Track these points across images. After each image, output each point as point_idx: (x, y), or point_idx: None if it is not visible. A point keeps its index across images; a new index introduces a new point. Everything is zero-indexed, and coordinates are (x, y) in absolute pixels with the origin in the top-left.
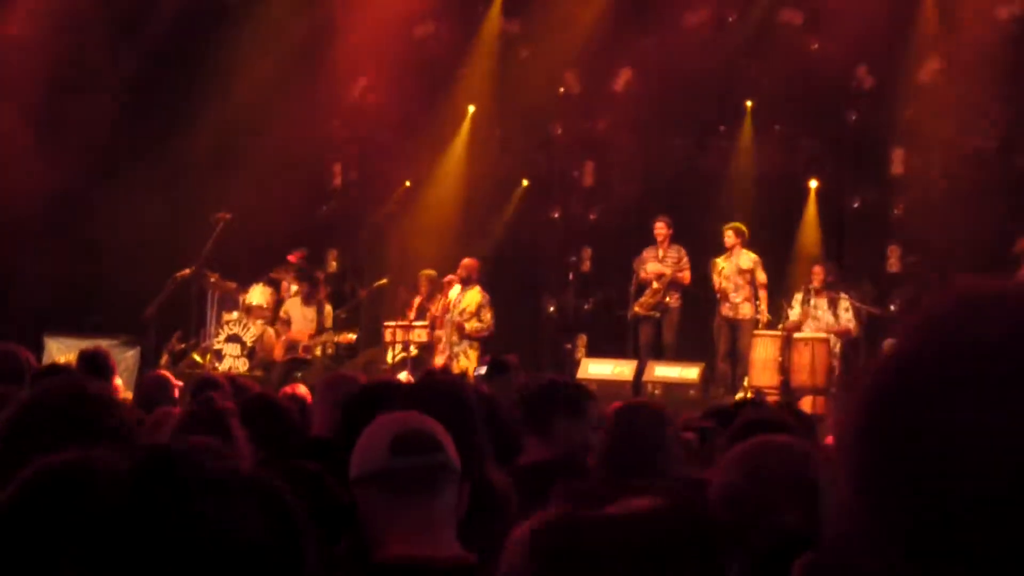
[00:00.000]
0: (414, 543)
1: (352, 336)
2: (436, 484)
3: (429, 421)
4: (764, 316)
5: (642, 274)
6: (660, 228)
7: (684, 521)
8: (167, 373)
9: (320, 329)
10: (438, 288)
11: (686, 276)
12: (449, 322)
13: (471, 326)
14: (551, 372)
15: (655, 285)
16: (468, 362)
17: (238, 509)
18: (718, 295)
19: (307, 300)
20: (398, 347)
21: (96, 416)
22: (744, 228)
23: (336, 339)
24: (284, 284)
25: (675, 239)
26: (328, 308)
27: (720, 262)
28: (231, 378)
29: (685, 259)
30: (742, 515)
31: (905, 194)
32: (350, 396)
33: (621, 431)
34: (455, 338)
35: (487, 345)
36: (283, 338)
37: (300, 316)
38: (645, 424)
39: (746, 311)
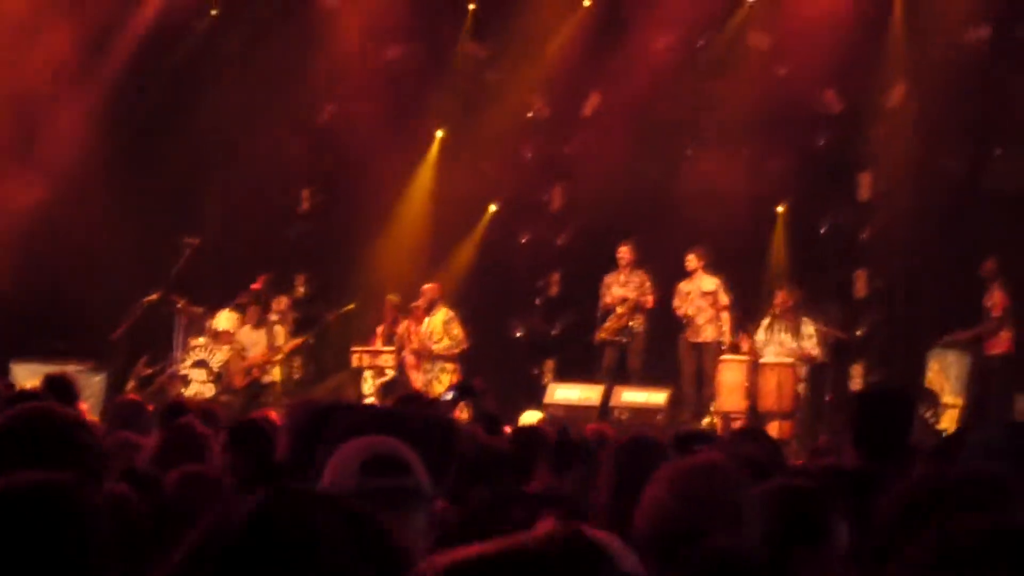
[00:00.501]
0: None
1: (299, 340)
2: (406, 507)
3: (401, 445)
4: (727, 338)
5: (607, 299)
6: (624, 253)
7: (569, 551)
8: (137, 397)
9: (273, 349)
10: (403, 313)
11: (650, 300)
12: (424, 352)
13: (441, 346)
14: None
15: (619, 310)
16: (442, 387)
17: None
18: (682, 320)
19: (257, 324)
20: (369, 374)
21: (68, 437)
22: (704, 252)
23: (286, 350)
24: (250, 311)
25: (640, 264)
26: (278, 328)
27: (683, 286)
28: (199, 405)
29: (648, 283)
30: (669, 534)
31: (873, 218)
32: (298, 420)
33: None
34: (427, 364)
35: (463, 364)
36: (240, 365)
37: (252, 341)
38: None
39: (709, 334)
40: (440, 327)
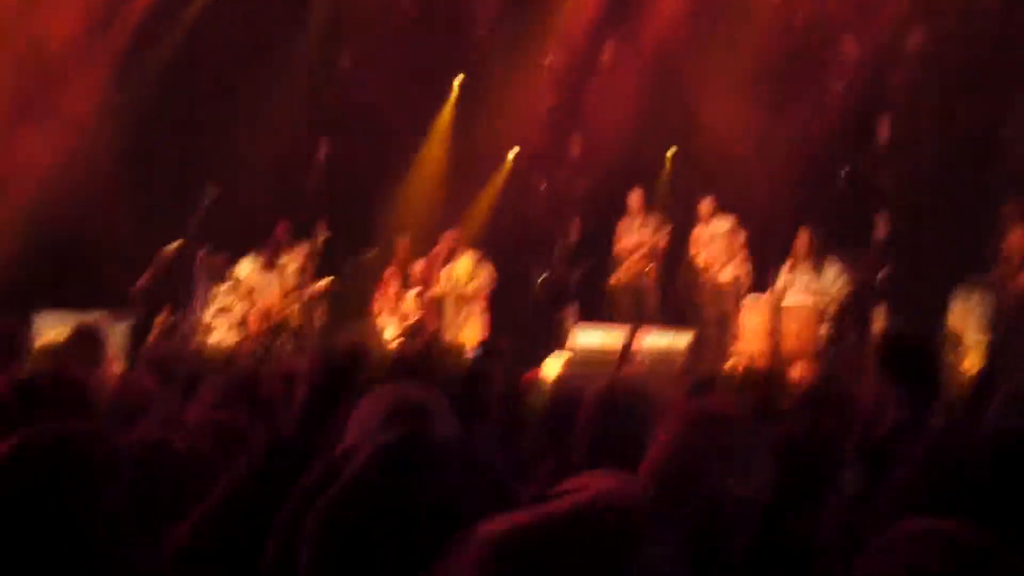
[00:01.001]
0: None
1: (324, 283)
2: None
3: (427, 393)
4: (745, 278)
5: (618, 246)
6: (634, 198)
7: (603, 516)
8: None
9: (285, 290)
10: (415, 255)
11: (662, 243)
12: (452, 298)
13: (474, 284)
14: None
15: (634, 255)
16: (473, 333)
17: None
18: (699, 264)
19: (266, 267)
20: (391, 320)
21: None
22: (717, 198)
23: (308, 293)
24: (262, 253)
25: (651, 209)
26: (291, 267)
27: (698, 232)
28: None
29: (664, 227)
30: (674, 478)
31: (893, 161)
32: (317, 369)
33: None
34: (458, 311)
35: (495, 307)
36: (255, 309)
37: (265, 284)
38: (630, 414)
39: (727, 275)
40: (470, 267)
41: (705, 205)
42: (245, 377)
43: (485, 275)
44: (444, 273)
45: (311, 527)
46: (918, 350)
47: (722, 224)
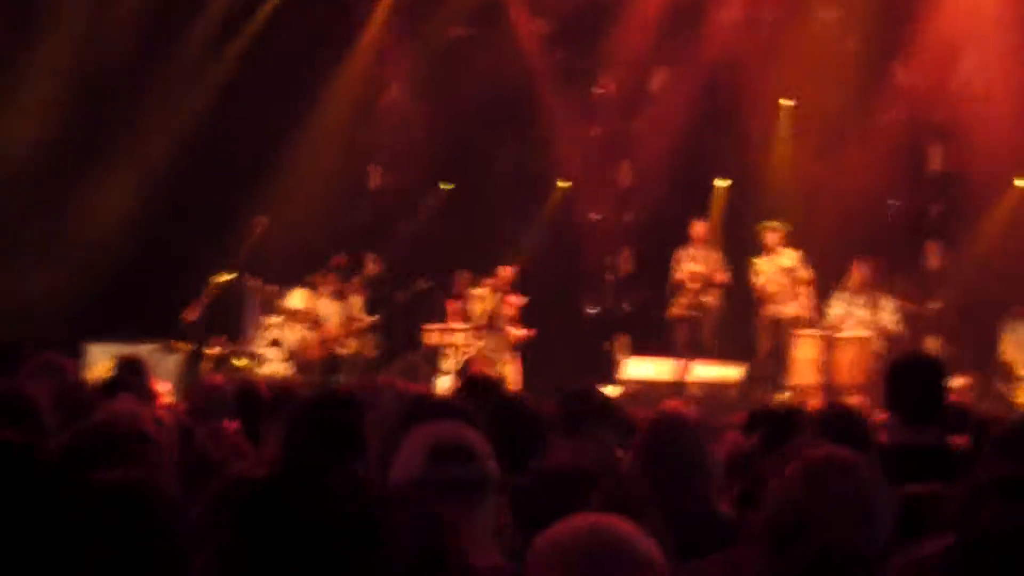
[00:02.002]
0: None
1: (373, 318)
2: (474, 494)
3: (468, 432)
4: (807, 314)
5: (679, 275)
6: (698, 229)
7: None
8: (219, 380)
9: (350, 322)
10: (474, 288)
11: (722, 276)
12: (489, 331)
13: (515, 333)
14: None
15: (690, 285)
16: (512, 372)
17: None
18: (760, 296)
19: (335, 296)
20: (449, 351)
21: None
22: (782, 227)
23: (362, 325)
24: (328, 280)
25: (713, 241)
26: (356, 300)
27: (760, 262)
28: (272, 384)
29: (722, 260)
30: (792, 524)
31: (944, 191)
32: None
33: (659, 447)
34: (495, 345)
35: (525, 352)
36: (317, 336)
37: (331, 312)
38: (684, 443)
39: (791, 310)
40: (515, 313)
41: (771, 237)
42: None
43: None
44: (489, 306)
45: None
46: (923, 370)
47: (788, 257)
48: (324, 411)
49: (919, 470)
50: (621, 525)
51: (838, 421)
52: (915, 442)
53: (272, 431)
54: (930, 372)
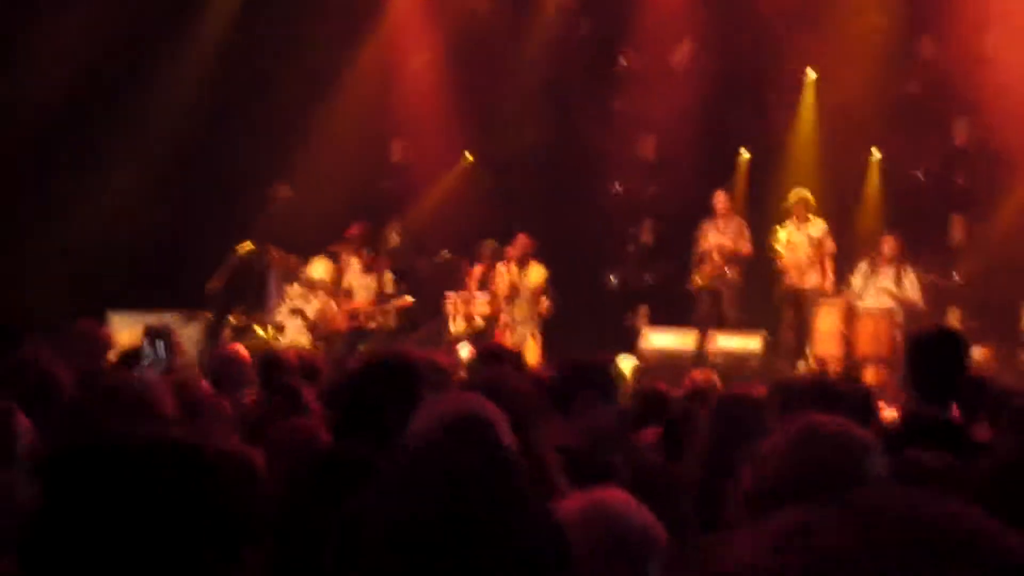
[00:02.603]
0: None
1: (409, 299)
2: None
3: (484, 404)
4: (831, 285)
5: (703, 246)
6: (720, 200)
7: None
8: (240, 349)
9: (381, 297)
10: (500, 258)
11: (746, 247)
12: (520, 303)
13: (543, 305)
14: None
15: (715, 257)
16: (535, 345)
17: None
18: (782, 264)
19: (367, 269)
20: (459, 319)
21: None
22: (811, 197)
23: (396, 304)
24: (344, 257)
25: (735, 211)
26: (388, 275)
27: (784, 232)
28: (297, 353)
29: (746, 231)
30: (781, 494)
31: (969, 164)
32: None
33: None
34: (521, 317)
35: (561, 318)
36: (345, 308)
37: (361, 285)
38: (750, 419)
39: (813, 280)
40: (543, 283)
41: (800, 204)
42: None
43: (549, 298)
44: (514, 277)
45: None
46: (943, 344)
47: (816, 227)
48: (387, 370)
49: (931, 445)
50: (618, 498)
51: (830, 392)
52: (928, 416)
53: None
54: (948, 347)
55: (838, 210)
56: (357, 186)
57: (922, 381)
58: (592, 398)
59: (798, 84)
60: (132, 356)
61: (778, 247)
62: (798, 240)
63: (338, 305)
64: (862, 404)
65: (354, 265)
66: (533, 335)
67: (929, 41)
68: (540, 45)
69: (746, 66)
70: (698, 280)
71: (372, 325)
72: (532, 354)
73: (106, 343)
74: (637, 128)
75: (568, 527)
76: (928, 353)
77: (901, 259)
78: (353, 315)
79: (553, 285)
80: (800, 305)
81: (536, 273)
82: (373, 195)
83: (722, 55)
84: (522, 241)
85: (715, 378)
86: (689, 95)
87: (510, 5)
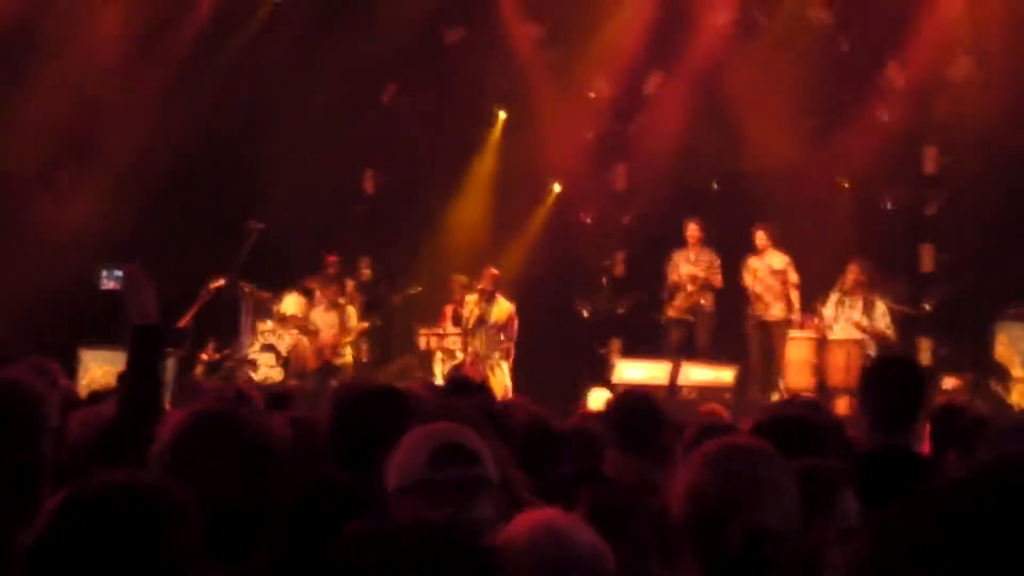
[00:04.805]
0: None
1: (366, 324)
2: (474, 496)
3: (469, 433)
4: (797, 316)
5: (674, 277)
6: (692, 230)
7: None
8: (223, 384)
9: (346, 331)
10: (470, 292)
11: (718, 279)
12: (482, 334)
13: (504, 343)
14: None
15: (688, 288)
16: (503, 374)
17: None
18: (750, 296)
19: (329, 306)
20: (439, 356)
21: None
22: (772, 229)
23: (355, 333)
24: (317, 294)
25: (708, 242)
26: (351, 310)
27: (752, 263)
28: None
29: (717, 262)
30: (709, 513)
31: (938, 192)
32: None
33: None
34: (485, 350)
35: (534, 350)
36: (313, 346)
37: (325, 323)
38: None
39: (778, 312)
40: (505, 318)
41: (761, 236)
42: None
43: (514, 331)
44: (481, 309)
45: None
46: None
47: (777, 260)
48: (375, 401)
49: (890, 474)
50: (567, 520)
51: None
52: (887, 446)
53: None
54: (905, 376)
55: (808, 238)
56: (330, 219)
57: (880, 411)
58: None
59: (768, 112)
60: (101, 395)
61: (746, 276)
62: (763, 272)
63: (309, 342)
64: (835, 435)
65: (317, 303)
66: (495, 368)
67: (896, 68)
68: (510, 74)
69: (716, 95)
70: (670, 312)
71: (340, 361)
72: (498, 385)
73: (55, 378)
74: (608, 158)
75: (518, 547)
76: (884, 383)
77: (870, 287)
78: (320, 352)
79: (525, 316)
80: (768, 336)
81: (500, 308)
82: (345, 228)
83: (692, 85)
84: (489, 274)
85: (723, 412)
86: (660, 125)
87: (479, 35)
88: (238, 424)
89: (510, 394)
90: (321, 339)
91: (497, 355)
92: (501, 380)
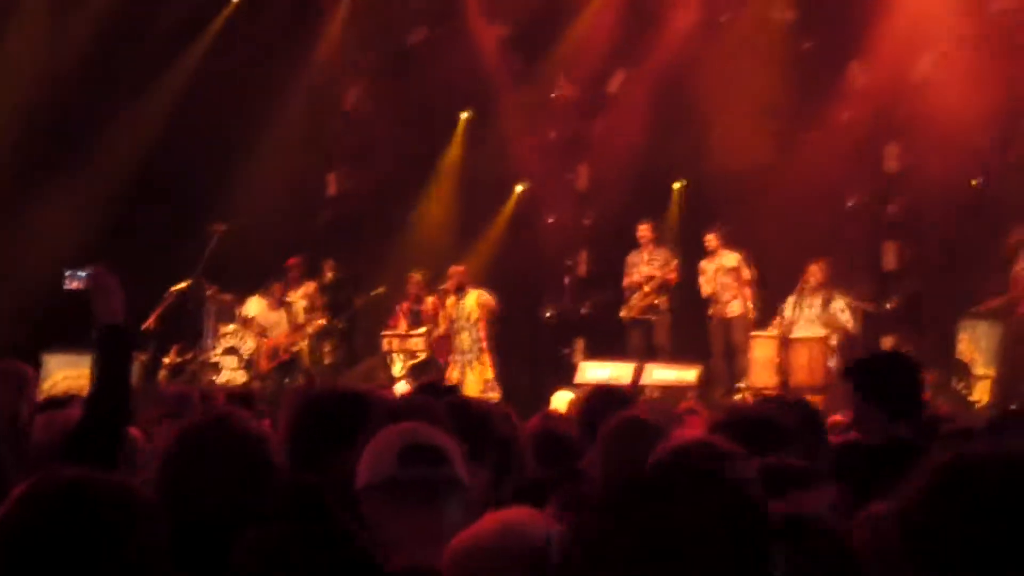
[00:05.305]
0: (419, 554)
1: (323, 321)
2: (442, 496)
3: (438, 433)
4: (752, 313)
5: (630, 278)
6: (644, 231)
7: None
8: (186, 388)
9: (296, 328)
10: (428, 291)
11: (673, 277)
12: (459, 333)
13: (482, 329)
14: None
15: (646, 288)
16: (483, 369)
17: None
18: (708, 298)
19: (272, 305)
20: (398, 357)
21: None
22: (722, 230)
23: (310, 331)
24: (271, 290)
25: (661, 241)
26: (297, 305)
27: (705, 265)
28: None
29: (674, 261)
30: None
31: (900, 191)
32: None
33: (618, 448)
34: (464, 347)
35: (498, 352)
36: (263, 348)
37: (272, 322)
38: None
39: (735, 309)
40: (475, 306)
41: (711, 239)
42: None
43: (493, 307)
44: (451, 309)
45: None
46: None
47: (729, 258)
48: (333, 403)
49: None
50: (526, 514)
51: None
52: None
53: None
54: (910, 368)
55: (770, 237)
56: (293, 222)
57: (886, 400)
58: None
59: (731, 113)
60: (58, 402)
61: (700, 281)
62: (711, 272)
63: (261, 344)
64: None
65: (262, 305)
66: (473, 363)
67: (858, 67)
68: (474, 75)
69: (679, 96)
70: (628, 312)
71: (288, 355)
72: (478, 379)
73: (27, 382)
74: (571, 158)
75: (484, 544)
76: (888, 375)
77: (829, 286)
78: (272, 354)
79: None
80: (727, 334)
81: (471, 299)
82: (309, 230)
83: (655, 85)
84: (455, 271)
85: (703, 411)
86: (623, 125)
87: (444, 36)
88: (234, 435)
89: (492, 392)
90: (271, 339)
91: (475, 352)
92: (479, 377)
